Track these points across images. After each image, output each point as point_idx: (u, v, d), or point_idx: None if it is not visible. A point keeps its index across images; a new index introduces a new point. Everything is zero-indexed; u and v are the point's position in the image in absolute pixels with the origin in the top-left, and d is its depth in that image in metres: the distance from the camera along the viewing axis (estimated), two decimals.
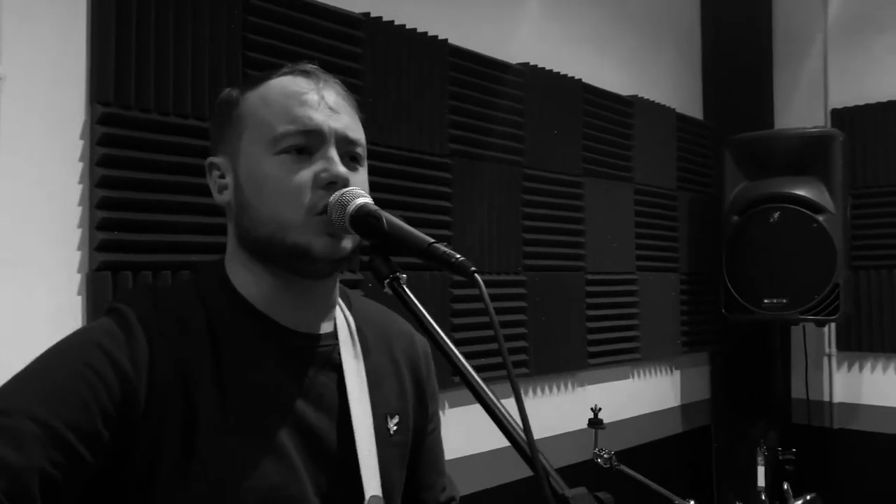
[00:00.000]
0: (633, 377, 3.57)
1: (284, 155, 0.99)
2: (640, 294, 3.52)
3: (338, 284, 1.10)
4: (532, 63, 3.03)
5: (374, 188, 2.45)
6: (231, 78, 2.07)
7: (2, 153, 1.72)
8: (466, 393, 2.82)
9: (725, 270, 3.51)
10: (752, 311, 3.41)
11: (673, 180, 3.81)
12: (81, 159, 1.84)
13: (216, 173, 1.05)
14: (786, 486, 1.31)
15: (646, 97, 3.62)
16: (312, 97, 1.01)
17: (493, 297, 2.76)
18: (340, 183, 0.99)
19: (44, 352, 0.91)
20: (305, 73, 1.04)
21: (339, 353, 1.06)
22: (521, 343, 2.94)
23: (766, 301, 3.38)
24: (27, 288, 1.74)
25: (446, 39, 2.69)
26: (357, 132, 1.05)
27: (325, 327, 1.07)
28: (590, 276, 3.26)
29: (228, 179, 1.03)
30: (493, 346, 2.80)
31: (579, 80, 3.25)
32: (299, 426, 0.99)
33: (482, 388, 0.86)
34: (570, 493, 0.76)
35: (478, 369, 2.74)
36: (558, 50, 3.21)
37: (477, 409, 2.95)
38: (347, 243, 1.00)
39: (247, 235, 1.02)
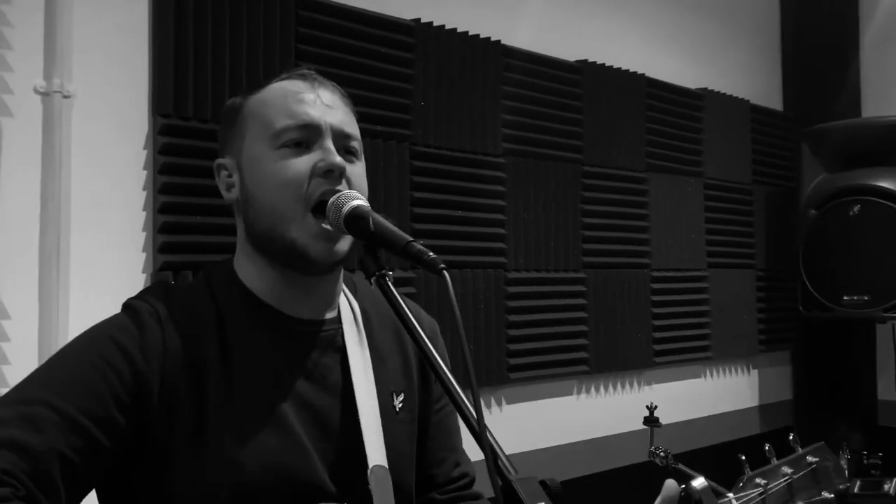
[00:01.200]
0: (704, 376, 3.49)
1: (284, 149, 1.06)
2: (711, 291, 3.44)
3: (342, 273, 1.16)
4: (591, 60, 3.02)
5: (428, 189, 2.53)
6: None
7: (74, 164, 1.88)
8: (523, 389, 2.85)
9: (803, 266, 3.38)
10: (830, 309, 3.27)
11: (748, 174, 3.70)
12: (145, 168, 1.99)
13: (224, 173, 1.13)
14: (791, 436, 1.31)
15: (716, 90, 3.54)
16: (309, 95, 1.08)
17: (553, 295, 2.80)
18: (337, 172, 1.05)
19: (63, 346, 1.01)
20: (302, 76, 1.12)
21: (342, 337, 1.12)
22: (582, 341, 2.93)
23: (845, 298, 3.23)
24: (97, 287, 1.89)
25: (499, 41, 2.72)
26: (352, 127, 1.12)
27: (329, 313, 1.13)
28: (655, 274, 3.22)
29: (235, 178, 1.11)
30: (550, 343, 2.82)
31: (642, 74, 3.21)
32: (305, 406, 1.06)
33: (452, 383, 0.89)
34: (515, 476, 0.79)
35: (534, 366, 2.75)
36: (619, 46, 3.18)
37: (533, 406, 2.97)
38: (344, 245, 1.06)
39: (251, 229, 1.09)
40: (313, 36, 2.28)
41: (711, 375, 3.52)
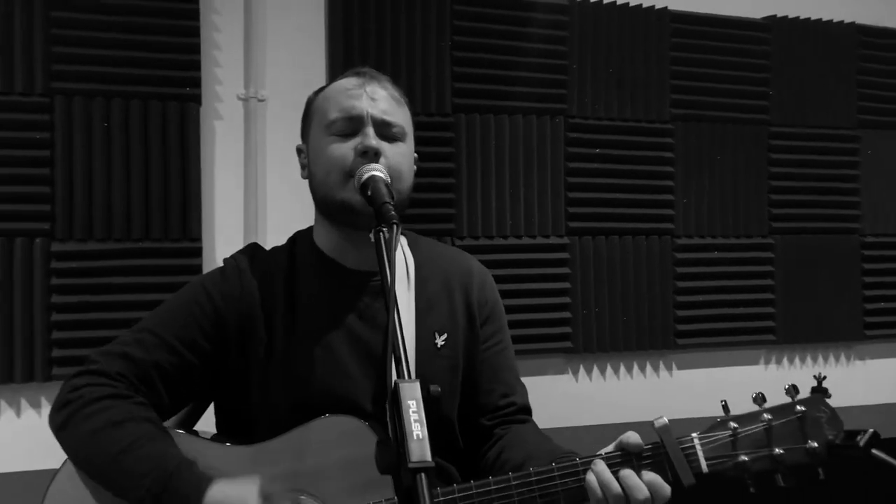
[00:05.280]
0: None
1: (334, 136, 1.31)
2: None
3: (399, 233, 1.39)
4: (780, 14, 2.86)
5: (584, 159, 2.63)
6: (440, 86, 2.49)
7: (269, 155, 2.37)
8: (696, 356, 2.83)
9: None
10: None
11: None
12: None
13: (301, 155, 1.42)
14: (787, 386, 1.21)
15: None
16: (357, 91, 1.32)
17: (731, 262, 2.74)
18: (371, 152, 1.27)
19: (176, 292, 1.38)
20: (357, 73, 1.36)
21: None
22: (768, 309, 2.82)
23: None
24: None
25: (665, 7, 2.72)
26: (394, 116, 1.32)
27: None
28: (868, 239, 2.94)
29: (306, 159, 1.40)
30: (727, 310, 2.77)
31: (851, 23, 2.94)
32: (357, 340, 1.31)
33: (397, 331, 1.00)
34: (403, 380, 0.98)
35: (707, 333, 2.74)
36: None
37: (710, 374, 2.94)
38: (392, 210, 1.27)
39: (315, 198, 1.37)
40: (469, 27, 2.54)
41: None
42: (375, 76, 1.36)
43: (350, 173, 1.27)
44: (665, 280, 2.70)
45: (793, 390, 1.17)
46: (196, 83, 2.30)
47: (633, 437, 1.12)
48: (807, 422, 1.13)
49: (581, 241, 2.62)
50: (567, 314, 2.59)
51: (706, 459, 1.10)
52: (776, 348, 2.87)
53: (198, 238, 2.30)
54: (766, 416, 1.12)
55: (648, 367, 2.73)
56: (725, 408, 1.15)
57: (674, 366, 2.76)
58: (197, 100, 2.31)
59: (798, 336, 2.86)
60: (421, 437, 0.91)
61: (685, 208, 2.74)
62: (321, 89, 1.40)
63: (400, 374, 1.01)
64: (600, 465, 1.08)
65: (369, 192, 1.21)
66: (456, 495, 1.13)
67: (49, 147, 2.18)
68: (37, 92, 2.18)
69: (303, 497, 1.17)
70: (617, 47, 2.68)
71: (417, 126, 2.44)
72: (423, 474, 0.88)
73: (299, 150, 1.42)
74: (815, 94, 2.89)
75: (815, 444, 1.11)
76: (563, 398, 2.61)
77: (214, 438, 1.29)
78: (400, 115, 1.33)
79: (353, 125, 1.29)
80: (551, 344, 2.57)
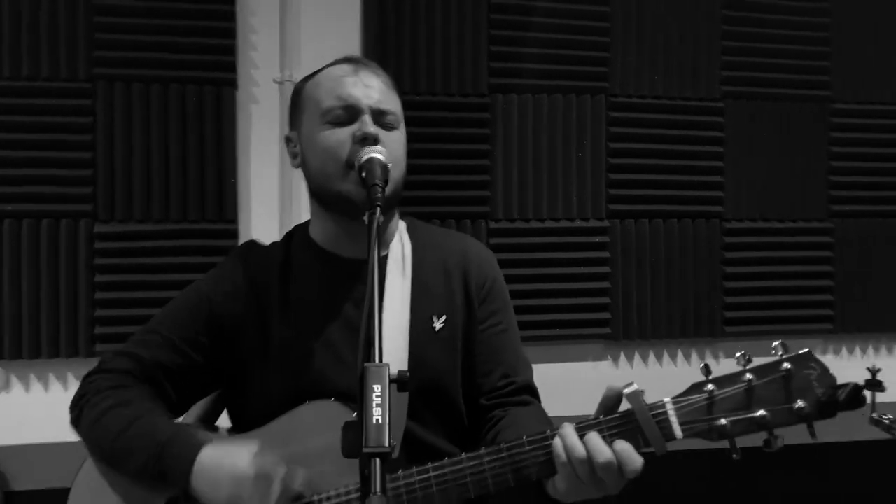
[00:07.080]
0: None
1: (329, 124, 1.29)
2: None
3: (393, 218, 1.37)
4: None
5: (639, 139, 2.54)
6: (476, 66, 2.45)
7: None
8: (745, 345, 2.72)
9: None
10: None
11: None
12: None
13: (291, 144, 1.39)
14: (775, 343, 1.08)
15: None
16: (351, 78, 1.30)
17: (787, 247, 2.62)
18: (371, 139, 1.26)
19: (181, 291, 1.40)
20: (348, 60, 1.35)
21: (385, 271, 1.35)
22: (826, 297, 2.68)
23: None
24: None
25: None
26: (388, 104, 1.29)
27: (380, 252, 1.35)
28: None
29: (298, 148, 1.37)
30: (779, 297, 2.65)
31: None
32: (350, 327, 1.30)
33: (373, 318, 0.98)
34: (371, 364, 0.96)
35: (757, 321, 2.64)
36: None
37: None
38: (380, 192, 1.28)
39: (310, 186, 1.36)
40: (505, 4, 2.48)
41: None
42: (366, 63, 1.34)
43: (349, 163, 1.25)
44: (713, 265, 2.60)
45: (781, 347, 1.08)
46: (232, 67, 2.34)
47: (613, 388, 1.05)
48: (794, 380, 1.01)
49: (623, 224, 2.54)
50: (606, 300, 2.52)
51: (680, 424, 1.02)
52: (833, 338, 2.72)
53: (234, 219, 2.34)
54: (748, 375, 1.03)
55: (694, 356, 2.64)
56: (706, 369, 1.07)
57: (721, 355, 2.65)
58: (233, 84, 2.34)
59: (858, 325, 2.70)
60: (380, 421, 0.90)
61: (736, 190, 2.62)
62: (310, 77, 1.37)
63: (371, 358, 1.00)
64: (567, 429, 1.03)
65: (363, 174, 1.19)
66: (415, 478, 1.12)
67: (91, 131, 2.26)
68: (80, 78, 2.26)
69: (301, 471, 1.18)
70: (663, 19, 2.57)
71: (453, 107, 2.45)
72: (377, 459, 0.86)
73: (288, 140, 1.39)
74: (881, 68, 2.71)
75: (804, 404, 1.00)
76: (602, 386, 2.55)
77: (229, 432, 1.33)
78: (394, 103, 1.31)
79: (349, 113, 1.27)
80: (589, 330, 2.51)
